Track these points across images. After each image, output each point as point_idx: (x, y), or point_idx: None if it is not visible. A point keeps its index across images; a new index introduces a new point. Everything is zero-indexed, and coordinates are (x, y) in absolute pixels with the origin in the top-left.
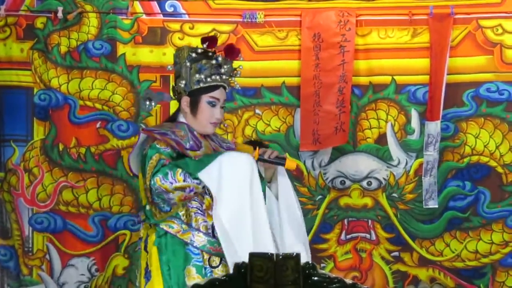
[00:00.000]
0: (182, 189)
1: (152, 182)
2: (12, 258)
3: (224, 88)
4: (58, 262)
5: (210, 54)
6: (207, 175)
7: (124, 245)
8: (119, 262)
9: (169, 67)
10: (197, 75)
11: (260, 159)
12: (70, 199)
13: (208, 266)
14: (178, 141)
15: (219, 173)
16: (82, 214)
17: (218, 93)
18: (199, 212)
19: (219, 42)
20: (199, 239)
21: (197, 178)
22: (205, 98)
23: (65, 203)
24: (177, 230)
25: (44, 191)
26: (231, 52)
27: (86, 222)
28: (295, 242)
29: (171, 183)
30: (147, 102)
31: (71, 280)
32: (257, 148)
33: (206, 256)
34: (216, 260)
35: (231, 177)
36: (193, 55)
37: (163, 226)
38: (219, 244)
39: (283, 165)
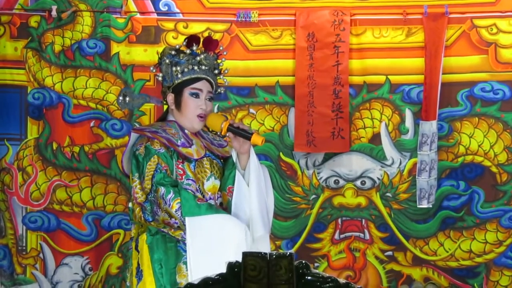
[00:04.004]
0: (169, 215)
1: (154, 188)
2: (6, 257)
3: (208, 81)
4: (52, 261)
5: (189, 50)
6: (194, 223)
7: (118, 244)
8: (113, 261)
9: (151, 68)
10: (174, 68)
11: (229, 129)
12: (64, 198)
13: None
14: (169, 138)
15: (207, 231)
16: (75, 213)
17: (200, 85)
18: None
19: None
20: None
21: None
22: (187, 91)
23: (59, 202)
24: (168, 228)
25: (37, 190)
26: (209, 43)
27: (80, 221)
28: (263, 234)
29: (166, 203)
30: (120, 98)
31: (65, 279)
32: (228, 118)
33: None
34: None
35: (216, 240)
36: (172, 52)
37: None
38: None
39: (249, 139)
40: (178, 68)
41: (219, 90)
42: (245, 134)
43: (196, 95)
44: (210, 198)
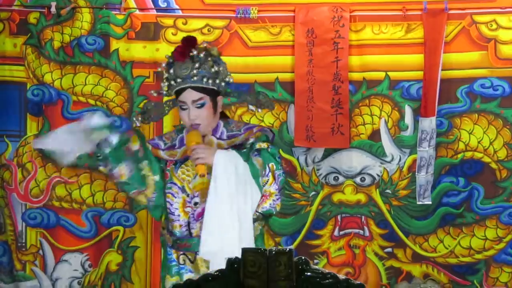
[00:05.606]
0: None
1: None
2: (6, 254)
3: (193, 88)
4: (51, 258)
5: (160, 68)
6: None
7: (118, 241)
8: (113, 258)
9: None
10: (162, 85)
11: None
12: (63, 194)
13: (183, 263)
14: (157, 143)
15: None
16: (75, 210)
17: (183, 95)
18: (171, 214)
19: (212, 37)
20: (169, 239)
21: None
22: (179, 104)
23: (58, 198)
24: (165, 237)
25: (37, 186)
26: (179, 54)
27: (79, 218)
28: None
29: None
30: (134, 118)
31: (64, 275)
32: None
33: (179, 254)
34: (190, 256)
35: None
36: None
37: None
38: (186, 240)
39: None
40: (162, 85)
41: (224, 89)
42: None
43: (182, 108)
44: (196, 196)
